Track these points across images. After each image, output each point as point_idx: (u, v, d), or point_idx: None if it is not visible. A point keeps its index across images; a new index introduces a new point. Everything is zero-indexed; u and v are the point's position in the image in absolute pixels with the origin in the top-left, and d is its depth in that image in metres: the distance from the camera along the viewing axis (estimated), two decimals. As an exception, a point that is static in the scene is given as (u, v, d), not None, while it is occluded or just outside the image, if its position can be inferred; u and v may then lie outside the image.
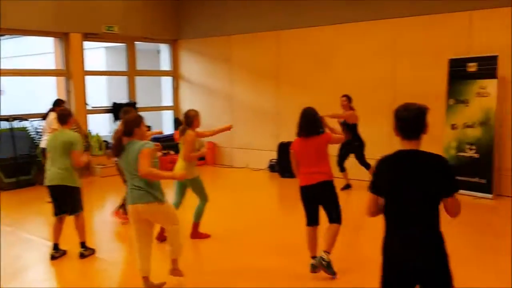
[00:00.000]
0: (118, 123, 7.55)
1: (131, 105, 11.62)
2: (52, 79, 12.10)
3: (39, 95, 13.45)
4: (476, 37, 8.46)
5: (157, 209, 4.53)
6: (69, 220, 5.81)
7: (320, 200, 5.06)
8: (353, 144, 8.60)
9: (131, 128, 4.51)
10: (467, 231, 6.42)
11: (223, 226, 6.96)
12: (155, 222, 4.73)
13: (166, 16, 12.54)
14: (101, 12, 11.14)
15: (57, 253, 5.74)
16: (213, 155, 12.16)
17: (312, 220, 5.10)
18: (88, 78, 11.30)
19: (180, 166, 6.15)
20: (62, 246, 5.80)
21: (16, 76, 12.86)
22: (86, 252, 5.79)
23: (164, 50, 13.26)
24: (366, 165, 8.70)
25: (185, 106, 11.97)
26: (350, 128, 8.59)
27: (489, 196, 8.10)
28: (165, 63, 13.25)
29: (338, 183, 8.48)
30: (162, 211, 4.59)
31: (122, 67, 12.53)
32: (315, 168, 4.98)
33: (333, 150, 7.06)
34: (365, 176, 8.90)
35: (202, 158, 11.19)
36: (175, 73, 13.08)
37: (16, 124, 10.11)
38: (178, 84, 13.08)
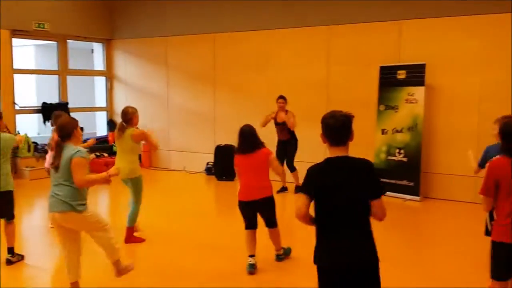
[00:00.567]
0: (48, 124, 7.31)
1: (63, 105, 11.26)
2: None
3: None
4: (405, 46, 8.85)
5: (75, 218, 4.32)
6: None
7: (260, 212, 5.31)
8: (290, 143, 8.74)
9: (69, 132, 4.34)
10: (397, 232, 6.68)
11: (159, 229, 6.87)
12: (78, 229, 4.51)
13: (100, 14, 12.23)
14: (31, 9, 10.70)
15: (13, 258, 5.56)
16: (149, 157, 11.98)
17: (250, 225, 5.28)
18: (16, 77, 10.84)
19: (122, 163, 5.98)
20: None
21: None
22: (14, 258, 5.54)
23: (98, 49, 12.92)
24: (293, 168, 8.86)
25: (119, 108, 11.72)
26: (287, 128, 8.73)
27: (417, 198, 8.48)
28: (98, 63, 12.92)
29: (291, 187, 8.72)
30: (82, 220, 4.36)
31: (53, 66, 12.10)
32: (255, 183, 5.15)
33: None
34: (299, 179, 9.11)
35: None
36: (109, 73, 12.78)
37: None
38: (112, 85, 12.78)
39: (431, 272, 5.35)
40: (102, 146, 11.83)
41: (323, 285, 3.02)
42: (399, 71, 8.69)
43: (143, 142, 6.41)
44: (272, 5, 10.16)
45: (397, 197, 8.44)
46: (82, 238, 4.58)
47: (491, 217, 3.98)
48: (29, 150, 10.22)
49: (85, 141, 6.70)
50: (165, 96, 11.88)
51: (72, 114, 9.58)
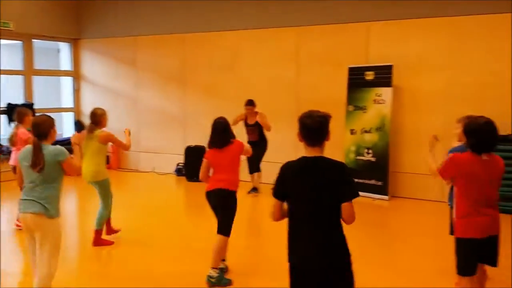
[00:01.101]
0: (13, 125, 7.13)
1: (28, 106, 11.00)
2: None
3: None
4: (373, 47, 8.98)
5: (45, 223, 4.11)
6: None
7: (218, 205, 5.05)
8: (260, 144, 8.75)
9: (45, 131, 4.21)
10: (366, 231, 6.76)
11: (128, 231, 6.78)
12: (40, 235, 4.13)
13: (67, 13, 12.01)
14: (-6, 7, 10.44)
15: None
16: (117, 159, 11.82)
17: None
18: (-21, 77, 10.56)
19: (87, 168, 5.92)
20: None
21: None
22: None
23: (65, 49, 12.68)
24: (257, 168, 8.87)
25: (86, 108, 11.54)
26: (257, 129, 8.75)
27: (385, 197, 8.61)
28: (65, 63, 12.68)
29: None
30: (49, 225, 4.13)
31: (18, 66, 11.82)
32: (223, 175, 5.04)
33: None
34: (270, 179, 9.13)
35: (106, 162, 10.87)
36: (76, 74, 12.55)
37: None
38: (79, 85, 12.57)
39: (399, 269, 5.45)
40: (69, 148, 11.59)
41: (293, 283, 3.03)
42: (367, 72, 8.81)
43: (110, 143, 6.32)
44: (243, 6, 10.17)
45: (366, 197, 8.54)
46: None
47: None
48: (-7, 152, 9.96)
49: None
50: (134, 97, 11.75)
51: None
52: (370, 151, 8.78)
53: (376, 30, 8.95)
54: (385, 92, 8.60)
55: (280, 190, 3.05)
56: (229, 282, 4.96)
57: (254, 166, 8.83)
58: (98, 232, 6.16)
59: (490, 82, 8.01)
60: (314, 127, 2.99)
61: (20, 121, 6.86)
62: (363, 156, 8.87)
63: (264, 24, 9.99)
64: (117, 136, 6.25)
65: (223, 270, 5.10)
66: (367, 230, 6.80)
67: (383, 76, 8.62)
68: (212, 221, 5.28)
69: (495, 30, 7.98)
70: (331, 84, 9.32)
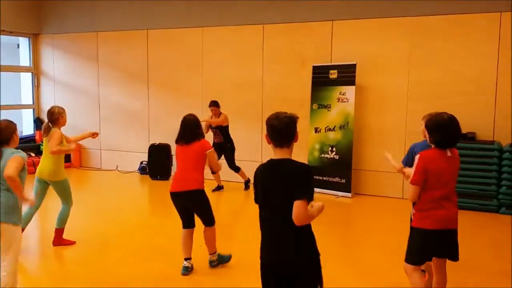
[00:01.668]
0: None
1: (-15, 102, 10.68)
2: None
3: None
4: (337, 46, 9.08)
5: (9, 230, 4.02)
6: None
7: (190, 207, 5.12)
8: (224, 146, 8.73)
9: (7, 136, 4.12)
10: (329, 228, 6.83)
11: (90, 231, 6.67)
12: (4, 243, 4.03)
13: (27, 8, 11.69)
14: (-51, 0, 10.07)
15: None
16: (79, 157, 11.59)
17: (187, 224, 5.14)
18: None
19: (45, 165, 5.78)
20: None
21: None
22: None
23: (24, 44, 12.34)
24: (236, 168, 8.89)
25: (46, 105, 11.27)
26: (221, 130, 8.73)
27: (349, 194, 8.72)
28: (24, 59, 12.34)
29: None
30: (13, 232, 4.06)
31: (-25, 61, 11.43)
32: (187, 174, 5.01)
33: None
34: (236, 177, 9.14)
35: (68, 160, 10.65)
36: (36, 70, 12.24)
37: None
38: (39, 81, 12.26)
39: (362, 267, 5.53)
40: (29, 146, 11.33)
41: (262, 280, 3.09)
42: (331, 71, 8.90)
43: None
44: (207, 3, 10.11)
45: (330, 194, 8.65)
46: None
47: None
48: None
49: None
50: (96, 94, 11.54)
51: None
52: (334, 149, 8.88)
53: (339, 29, 9.04)
54: (349, 91, 8.71)
55: (255, 195, 3.10)
56: (230, 257, 5.37)
57: (232, 167, 8.86)
58: (58, 231, 6.01)
59: (450, 81, 8.22)
60: (280, 128, 2.99)
61: None
62: (327, 154, 8.96)
63: (228, 22, 9.96)
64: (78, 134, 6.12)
65: (222, 259, 5.34)
66: (330, 228, 6.87)
67: (347, 74, 8.72)
68: (176, 219, 5.25)
69: (454, 30, 8.19)
70: (295, 83, 9.38)
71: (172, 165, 10.27)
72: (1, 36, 11.63)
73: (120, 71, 11.24)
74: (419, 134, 4.56)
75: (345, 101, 8.76)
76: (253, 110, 9.61)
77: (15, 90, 12.77)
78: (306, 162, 6.92)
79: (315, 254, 3.03)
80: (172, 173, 9.98)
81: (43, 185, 5.89)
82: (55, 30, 11.85)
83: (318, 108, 9.06)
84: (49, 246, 5.99)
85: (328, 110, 8.95)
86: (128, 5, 10.90)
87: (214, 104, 8.74)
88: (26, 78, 12.41)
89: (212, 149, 5.23)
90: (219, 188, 9.01)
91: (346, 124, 8.74)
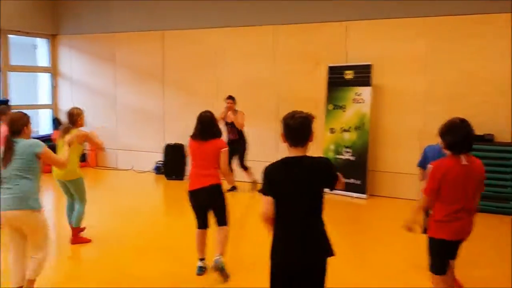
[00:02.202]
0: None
1: (3, 102, 10.81)
2: None
3: None
4: (352, 46, 9.03)
5: (29, 217, 4.16)
6: None
7: (208, 203, 5.09)
8: (239, 143, 8.74)
9: (19, 128, 4.26)
10: (343, 229, 6.81)
11: (106, 230, 6.73)
12: (25, 230, 4.25)
13: (45, 9, 11.83)
14: (-31, 1, 10.23)
15: None
16: (95, 157, 11.70)
17: (202, 224, 5.14)
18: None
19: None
20: None
21: None
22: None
23: (42, 45, 12.49)
24: (245, 168, 8.90)
25: (64, 105, 11.41)
26: (237, 128, 8.74)
27: (364, 196, 8.67)
28: (42, 59, 12.49)
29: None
30: (34, 219, 4.20)
31: (-6, 62, 11.60)
32: (205, 171, 5.01)
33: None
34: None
35: (83, 160, 10.74)
36: (53, 70, 12.38)
37: None
38: (57, 82, 12.40)
39: (376, 267, 5.49)
40: (50, 145, 11.44)
41: (274, 280, 3.06)
42: (347, 71, 8.86)
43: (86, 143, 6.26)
44: (221, 4, 10.14)
45: (345, 195, 8.60)
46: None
47: (427, 215, 4.12)
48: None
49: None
50: (112, 94, 11.64)
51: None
52: (349, 150, 8.84)
53: (354, 29, 9.00)
54: (365, 92, 8.66)
55: (268, 188, 3.04)
56: (227, 277, 5.00)
57: (242, 166, 8.86)
58: (75, 230, 6.10)
59: (467, 82, 8.13)
60: (296, 128, 2.99)
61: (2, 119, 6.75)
62: (342, 155, 8.92)
63: (243, 22, 9.98)
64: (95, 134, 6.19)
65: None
66: (344, 229, 6.85)
67: (363, 75, 8.68)
68: (190, 219, 5.26)
69: (471, 30, 8.10)
70: (310, 83, 9.36)
71: (186, 165, 10.30)
72: (18, 37, 11.80)
73: (136, 71, 11.32)
74: (436, 136, 4.51)
75: (360, 102, 8.72)
76: (266, 111, 9.60)
77: (32, 90, 12.93)
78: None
79: (331, 253, 3.04)
80: (187, 173, 10.00)
81: (64, 184, 6.00)
82: (72, 31, 11.97)
83: (334, 108, 9.03)
84: (66, 244, 6.06)
85: (344, 111, 8.91)
86: (144, 6, 10.97)
87: (231, 97, 8.79)
88: (44, 79, 12.55)
89: (227, 148, 5.18)
90: (233, 188, 9.01)
91: (361, 125, 8.69)
